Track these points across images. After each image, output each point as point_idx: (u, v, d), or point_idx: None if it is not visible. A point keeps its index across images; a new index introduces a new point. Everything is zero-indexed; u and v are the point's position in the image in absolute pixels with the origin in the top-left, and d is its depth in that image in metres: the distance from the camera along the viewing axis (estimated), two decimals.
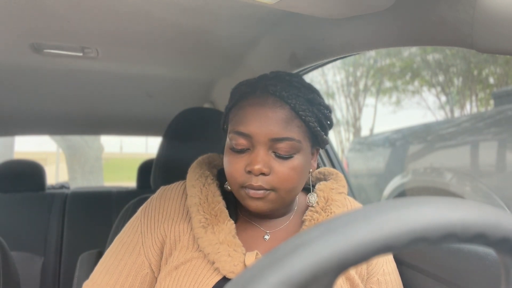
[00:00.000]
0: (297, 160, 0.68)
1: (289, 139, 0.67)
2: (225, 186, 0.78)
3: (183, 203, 0.78)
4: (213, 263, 0.68)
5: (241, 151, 0.69)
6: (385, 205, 0.29)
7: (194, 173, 0.79)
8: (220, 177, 0.81)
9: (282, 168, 0.67)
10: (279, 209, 0.74)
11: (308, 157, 0.72)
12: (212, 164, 0.84)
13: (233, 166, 0.69)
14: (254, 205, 0.68)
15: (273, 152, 0.68)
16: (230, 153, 0.71)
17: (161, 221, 0.76)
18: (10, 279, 1.15)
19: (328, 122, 0.75)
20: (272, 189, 0.67)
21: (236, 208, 0.78)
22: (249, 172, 0.67)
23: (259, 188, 0.67)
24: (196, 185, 0.76)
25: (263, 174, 0.67)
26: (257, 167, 0.65)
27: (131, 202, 1.13)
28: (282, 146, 0.67)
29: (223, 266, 0.67)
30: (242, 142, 0.68)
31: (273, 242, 0.75)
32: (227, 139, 0.72)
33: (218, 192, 0.76)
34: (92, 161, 5.53)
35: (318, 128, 0.71)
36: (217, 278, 0.67)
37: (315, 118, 0.71)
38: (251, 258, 0.68)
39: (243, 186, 0.68)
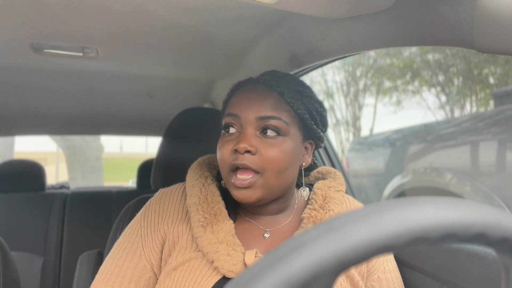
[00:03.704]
0: (285, 143, 0.70)
1: (276, 118, 0.69)
2: (222, 183, 0.78)
3: (182, 204, 0.78)
4: (212, 262, 0.68)
5: (230, 134, 0.71)
6: (385, 205, 0.29)
7: (194, 173, 0.80)
8: (220, 178, 0.81)
9: (268, 149, 0.68)
10: (270, 199, 0.73)
11: (297, 145, 0.73)
12: (212, 165, 0.85)
13: (223, 148, 0.71)
14: (241, 194, 0.69)
15: (261, 132, 0.70)
16: (221, 138, 0.73)
17: (161, 223, 0.76)
18: (10, 279, 1.15)
19: (320, 117, 0.76)
20: (258, 171, 0.68)
21: (236, 208, 0.79)
22: (236, 151, 0.68)
23: (244, 165, 0.67)
24: (196, 185, 0.77)
25: (248, 152, 0.68)
26: (242, 145, 0.67)
27: (131, 202, 1.13)
28: (269, 125, 0.69)
29: (222, 265, 0.67)
30: (231, 122, 0.71)
31: (273, 240, 0.75)
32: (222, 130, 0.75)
33: (217, 192, 0.76)
34: (92, 161, 5.53)
35: (307, 116, 0.73)
36: (216, 278, 0.67)
37: (304, 107, 0.73)
38: (250, 256, 0.68)
39: (232, 170, 0.69)
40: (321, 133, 0.78)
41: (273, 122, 0.69)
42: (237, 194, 0.70)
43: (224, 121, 0.73)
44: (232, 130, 0.71)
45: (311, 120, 0.73)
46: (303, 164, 0.77)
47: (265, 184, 0.69)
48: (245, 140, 0.68)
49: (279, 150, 0.69)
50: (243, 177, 0.68)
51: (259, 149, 0.68)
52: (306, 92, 0.74)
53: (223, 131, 0.74)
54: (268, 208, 0.76)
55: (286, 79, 0.75)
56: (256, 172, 0.68)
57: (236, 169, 0.69)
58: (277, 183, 0.70)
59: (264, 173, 0.68)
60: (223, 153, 0.71)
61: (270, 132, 0.69)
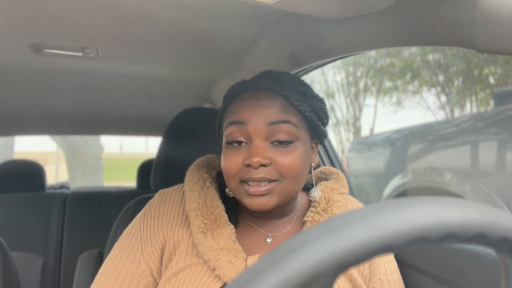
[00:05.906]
0: (297, 148, 0.67)
1: (287, 122, 0.66)
2: (227, 191, 0.76)
3: (182, 207, 0.76)
4: (214, 269, 0.66)
5: (237, 144, 0.67)
6: (385, 205, 0.29)
7: (192, 176, 0.77)
8: (219, 179, 0.79)
9: (283, 158, 0.65)
10: (283, 205, 0.71)
11: (307, 147, 0.71)
12: (210, 166, 0.83)
13: (230, 160, 0.67)
14: (257, 202, 0.65)
15: (271, 142, 0.66)
16: (226, 148, 0.69)
17: (160, 227, 0.74)
18: (10, 279, 1.15)
19: (324, 115, 0.75)
20: (276, 179, 0.65)
21: (236, 212, 0.77)
22: (248, 165, 0.65)
23: (261, 179, 0.64)
24: (194, 189, 0.74)
25: (263, 165, 0.64)
26: (256, 159, 0.63)
27: (131, 202, 1.13)
28: (280, 131, 0.65)
29: (224, 273, 0.65)
30: (237, 133, 0.67)
31: (276, 245, 0.72)
32: (223, 138, 0.71)
33: (217, 196, 0.74)
34: (92, 161, 5.52)
35: (315, 117, 0.70)
36: (218, 285, 0.65)
37: (310, 108, 0.70)
38: (252, 262, 0.67)
39: (243, 181, 0.66)
40: (326, 131, 0.77)
41: (284, 127, 0.65)
42: (252, 202, 0.65)
43: (229, 131, 0.68)
44: (238, 138, 0.67)
45: (318, 120, 0.71)
46: (312, 164, 0.75)
47: (283, 191, 0.66)
48: (258, 154, 0.63)
49: (293, 157, 0.66)
50: (258, 189, 0.65)
51: (273, 159, 0.65)
52: (308, 92, 0.72)
53: (225, 141, 0.69)
54: (272, 212, 0.74)
55: (287, 81, 0.71)
56: (273, 180, 0.65)
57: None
58: (294, 189, 0.69)
59: (283, 180, 0.66)
60: (232, 167, 0.66)
61: (282, 140, 0.65)
